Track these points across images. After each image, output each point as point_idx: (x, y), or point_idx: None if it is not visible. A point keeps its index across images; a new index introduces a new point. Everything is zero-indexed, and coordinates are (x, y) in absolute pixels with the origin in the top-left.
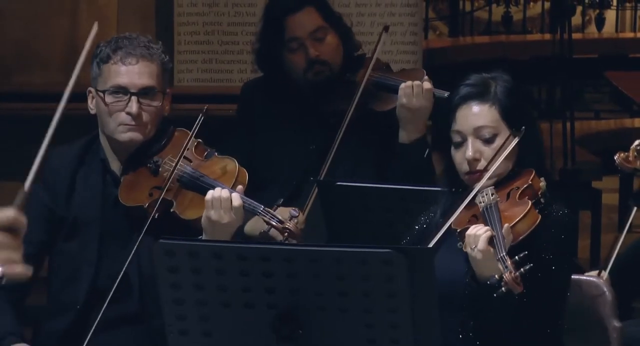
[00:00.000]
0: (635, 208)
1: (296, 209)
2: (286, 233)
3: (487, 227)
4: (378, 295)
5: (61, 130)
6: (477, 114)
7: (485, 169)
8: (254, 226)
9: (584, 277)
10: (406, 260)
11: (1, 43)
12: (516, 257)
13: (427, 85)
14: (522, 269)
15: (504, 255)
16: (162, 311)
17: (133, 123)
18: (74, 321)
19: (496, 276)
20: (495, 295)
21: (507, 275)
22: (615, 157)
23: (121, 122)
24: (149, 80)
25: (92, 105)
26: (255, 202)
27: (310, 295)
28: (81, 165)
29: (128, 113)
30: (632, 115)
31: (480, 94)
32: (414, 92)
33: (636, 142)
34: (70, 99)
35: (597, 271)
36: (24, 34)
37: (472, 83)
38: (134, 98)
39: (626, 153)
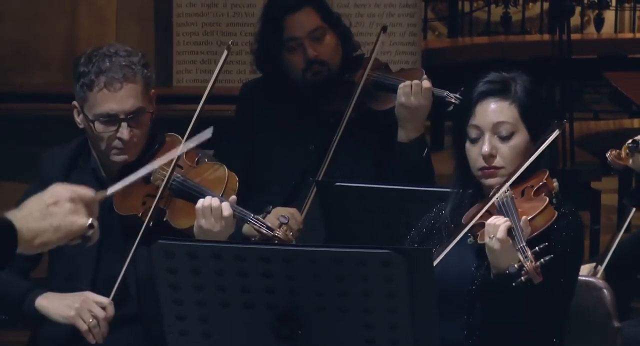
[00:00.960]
0: (634, 209)
1: (285, 216)
2: (276, 242)
3: (506, 218)
4: (377, 295)
5: (60, 131)
6: (496, 110)
7: (512, 174)
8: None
9: (584, 278)
10: (405, 260)
11: (0, 43)
12: (536, 248)
13: (426, 84)
14: (542, 259)
15: (523, 246)
16: (161, 312)
17: (126, 146)
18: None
19: (516, 265)
20: (514, 283)
21: (528, 264)
22: (607, 154)
23: (113, 147)
24: (136, 102)
25: (78, 119)
26: (245, 210)
27: (310, 295)
28: (73, 168)
29: (119, 139)
30: (631, 116)
31: (501, 91)
32: (413, 91)
33: (629, 141)
34: (71, 99)
35: (593, 264)
36: (23, 34)
37: (493, 80)
38: (124, 124)
39: (618, 151)
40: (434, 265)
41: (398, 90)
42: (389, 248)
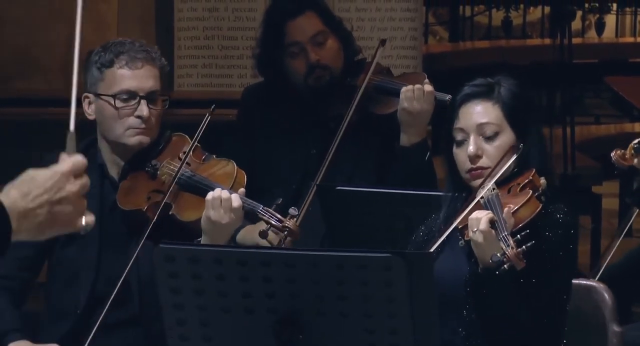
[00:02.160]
0: (637, 210)
1: (295, 208)
2: (286, 232)
3: (487, 211)
4: (378, 300)
5: (60, 136)
6: (480, 112)
7: (489, 175)
8: (245, 236)
9: (584, 281)
10: (405, 264)
11: (1, 49)
12: (518, 236)
13: (428, 87)
14: (524, 246)
15: (505, 235)
16: (161, 315)
17: (143, 126)
18: (74, 326)
19: (498, 254)
20: (497, 272)
21: (509, 251)
22: (612, 154)
23: (130, 126)
24: (154, 84)
25: (89, 110)
26: (254, 202)
27: (310, 299)
28: None
29: (138, 117)
30: (632, 120)
31: (485, 93)
32: (415, 95)
33: (635, 141)
34: (68, 104)
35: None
36: (23, 39)
37: (477, 83)
38: (143, 101)
39: (623, 151)
40: None
41: (400, 95)
42: (390, 252)
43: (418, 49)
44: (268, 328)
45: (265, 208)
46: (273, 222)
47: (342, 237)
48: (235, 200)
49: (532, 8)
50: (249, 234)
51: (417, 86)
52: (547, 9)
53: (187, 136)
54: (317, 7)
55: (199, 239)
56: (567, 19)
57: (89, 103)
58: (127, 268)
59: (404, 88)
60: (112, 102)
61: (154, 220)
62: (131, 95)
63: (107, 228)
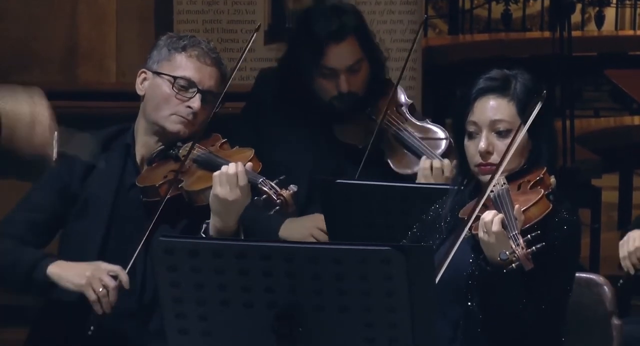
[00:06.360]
0: None
1: (296, 185)
2: (279, 200)
3: (495, 211)
4: (377, 293)
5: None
6: (495, 108)
7: (502, 160)
8: (292, 232)
9: (584, 275)
10: (405, 258)
11: (1, 42)
12: (528, 236)
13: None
14: (533, 247)
15: (515, 234)
16: (161, 309)
17: (190, 118)
18: (78, 299)
19: (507, 252)
20: (505, 270)
21: (519, 250)
22: None
23: (177, 112)
24: (215, 86)
25: (141, 86)
26: (256, 174)
27: (309, 293)
28: (105, 150)
29: (189, 107)
30: (632, 113)
31: (500, 88)
32: (433, 173)
33: None
34: (71, 97)
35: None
36: (23, 34)
37: (493, 77)
38: (199, 95)
39: None
40: (441, 271)
41: (419, 170)
42: (389, 245)
43: (417, 42)
44: (267, 322)
45: (265, 179)
46: (270, 193)
47: (341, 230)
48: (242, 177)
49: (531, 1)
50: (295, 230)
51: (436, 164)
52: (546, 2)
53: (220, 135)
54: (359, 33)
55: (208, 221)
56: (566, 12)
57: (144, 79)
58: (134, 256)
59: (423, 158)
60: (172, 82)
61: (166, 197)
62: (191, 84)
63: (120, 208)
